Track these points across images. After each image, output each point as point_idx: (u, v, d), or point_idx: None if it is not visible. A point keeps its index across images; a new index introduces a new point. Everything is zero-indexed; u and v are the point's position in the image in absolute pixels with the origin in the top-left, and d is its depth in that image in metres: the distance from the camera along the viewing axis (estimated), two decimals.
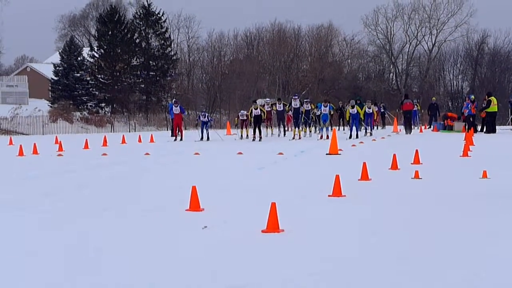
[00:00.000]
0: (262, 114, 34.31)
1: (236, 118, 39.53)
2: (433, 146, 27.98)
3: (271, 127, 38.52)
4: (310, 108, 35.36)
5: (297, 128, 34.48)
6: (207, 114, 36.34)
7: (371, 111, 37.17)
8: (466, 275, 7.28)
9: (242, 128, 36.44)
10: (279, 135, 37.02)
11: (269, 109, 37.78)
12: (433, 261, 7.88)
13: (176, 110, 35.57)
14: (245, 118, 35.85)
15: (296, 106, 34.56)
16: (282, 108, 36.45)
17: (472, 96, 41.00)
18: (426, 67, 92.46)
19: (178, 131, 35.84)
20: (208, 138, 34.29)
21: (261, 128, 34.19)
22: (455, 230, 9.76)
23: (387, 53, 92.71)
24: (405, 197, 13.07)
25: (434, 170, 17.86)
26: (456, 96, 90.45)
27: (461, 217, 10.88)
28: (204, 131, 34.64)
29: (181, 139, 34.92)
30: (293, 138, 33.82)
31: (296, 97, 36.02)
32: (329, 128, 35.15)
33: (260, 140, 33.20)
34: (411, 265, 7.70)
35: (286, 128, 37.97)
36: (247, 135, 35.30)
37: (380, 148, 27.38)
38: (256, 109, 33.91)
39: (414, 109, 45.42)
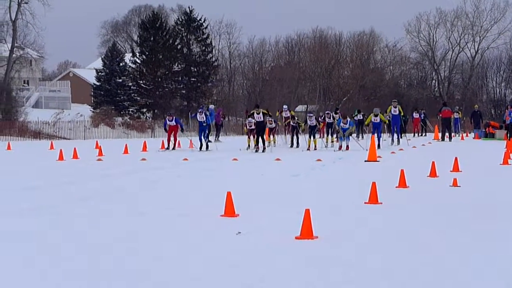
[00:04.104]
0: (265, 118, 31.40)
1: (244, 127, 36.70)
2: (473, 153, 27.71)
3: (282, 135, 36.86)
4: (332, 120, 34.01)
5: (311, 138, 32.22)
6: (204, 111, 32.57)
7: (394, 113, 34.05)
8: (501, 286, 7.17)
9: (249, 137, 33.19)
10: (291, 146, 34.22)
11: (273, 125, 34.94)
12: (469, 271, 7.77)
13: (172, 123, 32.96)
14: (253, 127, 31.81)
15: (312, 124, 32.43)
16: (295, 124, 33.85)
17: None
18: (469, 74, 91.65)
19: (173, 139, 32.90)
20: (207, 147, 31.76)
21: (264, 137, 31.25)
22: (492, 238, 9.62)
23: (430, 60, 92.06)
24: (442, 205, 12.91)
25: (473, 178, 17.66)
26: (499, 103, 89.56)
27: (499, 225, 10.72)
28: (202, 138, 31.96)
29: (173, 148, 32.49)
30: (308, 149, 31.59)
31: (311, 115, 33.85)
32: (349, 137, 31.73)
33: (263, 151, 30.54)
34: (447, 274, 7.60)
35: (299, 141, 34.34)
36: (254, 145, 31.91)
37: (419, 156, 27.14)
38: (258, 113, 31.25)
39: (456, 116, 45.13)
